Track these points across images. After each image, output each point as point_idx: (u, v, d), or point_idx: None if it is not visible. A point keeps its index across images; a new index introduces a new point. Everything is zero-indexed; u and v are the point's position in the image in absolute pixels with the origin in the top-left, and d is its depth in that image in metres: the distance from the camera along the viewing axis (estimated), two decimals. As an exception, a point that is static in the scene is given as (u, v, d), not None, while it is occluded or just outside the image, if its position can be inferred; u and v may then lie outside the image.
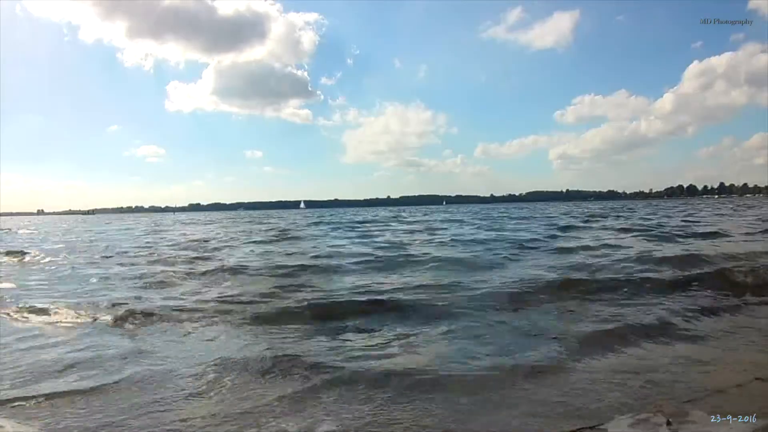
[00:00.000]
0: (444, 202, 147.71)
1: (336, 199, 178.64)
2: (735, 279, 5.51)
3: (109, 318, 4.36)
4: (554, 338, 3.57)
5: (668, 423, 2.08)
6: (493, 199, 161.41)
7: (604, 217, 22.86)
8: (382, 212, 47.75)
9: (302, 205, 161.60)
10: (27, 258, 10.26)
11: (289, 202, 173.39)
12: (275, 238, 14.92)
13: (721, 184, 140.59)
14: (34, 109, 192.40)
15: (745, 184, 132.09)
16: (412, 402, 2.53)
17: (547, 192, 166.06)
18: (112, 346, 3.56)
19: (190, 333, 3.94)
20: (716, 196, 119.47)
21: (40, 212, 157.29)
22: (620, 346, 3.35)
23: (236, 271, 7.43)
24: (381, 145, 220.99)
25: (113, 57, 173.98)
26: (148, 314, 4.43)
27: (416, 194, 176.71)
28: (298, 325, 4.13)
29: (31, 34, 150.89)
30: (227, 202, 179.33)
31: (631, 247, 9.29)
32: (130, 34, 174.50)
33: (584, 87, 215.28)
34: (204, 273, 7.35)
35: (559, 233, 13.48)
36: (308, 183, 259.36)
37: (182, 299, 5.32)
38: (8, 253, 10.94)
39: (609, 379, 2.77)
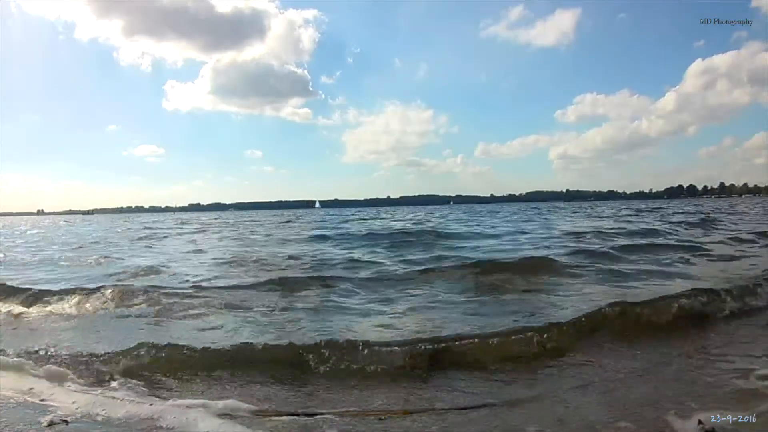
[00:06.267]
0: (451, 202, 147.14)
1: (336, 199, 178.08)
2: None
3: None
4: None
5: None
6: (493, 199, 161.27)
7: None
8: (407, 214, 39.81)
9: (317, 204, 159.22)
10: None
11: (291, 201, 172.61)
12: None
13: (721, 184, 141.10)
14: (32, 109, 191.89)
15: (746, 184, 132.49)
16: None
17: (547, 192, 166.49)
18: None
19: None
20: (713, 197, 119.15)
21: (40, 212, 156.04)
22: None
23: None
24: (381, 144, 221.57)
25: (110, 56, 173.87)
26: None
27: (416, 194, 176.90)
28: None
29: (27, 33, 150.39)
30: (227, 202, 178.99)
31: None
32: (126, 33, 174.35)
33: (586, 86, 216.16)
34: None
35: None
36: (308, 182, 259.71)
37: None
38: None
39: None
